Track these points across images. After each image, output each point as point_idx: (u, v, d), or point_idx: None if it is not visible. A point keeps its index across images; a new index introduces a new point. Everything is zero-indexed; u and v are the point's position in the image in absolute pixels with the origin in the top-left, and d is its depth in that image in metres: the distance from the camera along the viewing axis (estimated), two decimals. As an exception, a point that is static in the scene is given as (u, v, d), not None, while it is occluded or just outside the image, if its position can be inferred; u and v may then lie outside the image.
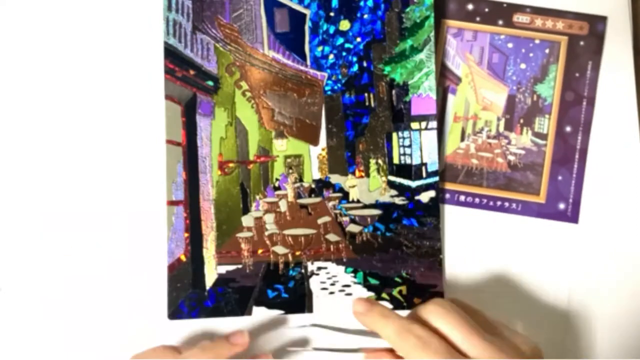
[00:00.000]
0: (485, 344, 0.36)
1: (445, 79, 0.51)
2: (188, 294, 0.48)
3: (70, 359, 0.49)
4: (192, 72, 0.49)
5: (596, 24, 0.51)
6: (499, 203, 0.51)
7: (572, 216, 0.51)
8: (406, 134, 0.50)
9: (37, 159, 0.50)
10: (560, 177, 0.51)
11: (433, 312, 0.38)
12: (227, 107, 0.50)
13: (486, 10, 0.51)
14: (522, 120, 0.51)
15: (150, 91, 0.50)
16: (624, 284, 0.50)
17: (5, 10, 0.50)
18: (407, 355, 0.37)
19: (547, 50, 0.51)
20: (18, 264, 0.49)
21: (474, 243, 0.50)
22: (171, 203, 0.49)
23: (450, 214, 0.51)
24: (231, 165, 0.50)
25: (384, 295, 0.49)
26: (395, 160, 0.50)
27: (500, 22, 0.51)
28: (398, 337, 0.38)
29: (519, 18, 0.51)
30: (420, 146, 0.50)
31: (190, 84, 0.49)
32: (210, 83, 0.50)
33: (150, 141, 0.50)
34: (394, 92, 0.50)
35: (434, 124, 0.49)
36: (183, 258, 0.49)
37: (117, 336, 0.49)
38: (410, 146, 0.50)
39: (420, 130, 0.50)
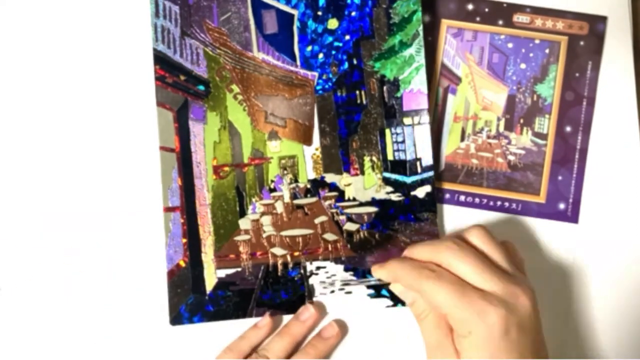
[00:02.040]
0: (498, 278, 0.40)
1: (445, 79, 0.51)
2: (189, 299, 0.48)
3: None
4: (182, 77, 0.49)
5: (596, 24, 0.50)
6: (499, 203, 0.50)
7: (572, 216, 0.50)
8: (399, 129, 0.50)
9: (32, 169, 0.50)
10: (560, 177, 0.50)
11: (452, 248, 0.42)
12: (219, 111, 0.50)
13: (486, 10, 0.51)
14: (522, 120, 0.51)
15: (141, 98, 0.50)
16: (623, 283, 0.50)
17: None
18: (423, 289, 0.41)
19: (547, 50, 0.51)
20: (18, 271, 0.49)
21: (474, 242, 0.50)
22: (168, 209, 0.49)
23: (451, 214, 0.51)
24: (226, 169, 0.50)
25: (383, 292, 0.49)
26: (390, 157, 0.50)
27: (500, 22, 0.51)
28: (412, 276, 0.42)
29: (519, 18, 0.50)
30: (413, 141, 0.49)
31: (181, 89, 0.49)
32: (201, 87, 0.50)
33: (143, 148, 0.50)
34: (385, 88, 0.50)
35: (426, 118, 0.49)
36: (182, 264, 0.49)
37: (119, 344, 0.49)
38: (403, 142, 0.50)
39: (413, 125, 0.49)
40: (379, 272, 0.45)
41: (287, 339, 0.47)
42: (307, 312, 0.48)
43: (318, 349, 0.47)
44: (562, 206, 0.50)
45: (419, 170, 0.49)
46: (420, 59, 0.49)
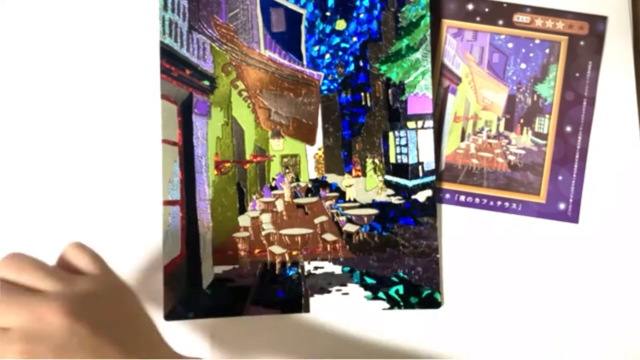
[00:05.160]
0: (19, 306, 0.33)
1: (445, 79, 0.51)
2: (185, 294, 0.48)
3: None
4: (188, 71, 0.49)
5: (596, 24, 0.51)
6: (499, 203, 0.51)
7: (572, 216, 0.51)
8: (402, 133, 0.50)
9: (33, 159, 0.49)
10: (560, 177, 0.51)
11: None
12: (224, 107, 0.50)
13: (486, 10, 0.51)
14: (522, 120, 0.51)
15: (146, 91, 0.50)
16: (623, 283, 0.50)
17: (3, 10, 0.50)
18: None
19: (547, 50, 0.51)
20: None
21: (474, 243, 0.50)
22: (167, 203, 0.48)
23: (450, 214, 0.51)
24: (227, 165, 0.50)
25: (380, 294, 0.49)
26: (392, 160, 0.50)
27: (500, 22, 0.51)
28: None
29: (519, 18, 0.51)
30: (416, 145, 0.50)
31: (186, 83, 0.49)
32: (207, 83, 0.50)
33: (146, 141, 0.50)
34: (390, 91, 0.50)
35: (430, 123, 0.49)
36: (179, 258, 0.48)
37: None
38: (406, 145, 0.50)
39: (416, 129, 0.50)
40: None
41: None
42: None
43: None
44: (562, 206, 0.51)
45: (421, 174, 0.49)
46: (427, 64, 0.49)
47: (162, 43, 0.49)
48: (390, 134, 0.50)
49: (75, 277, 0.37)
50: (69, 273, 0.37)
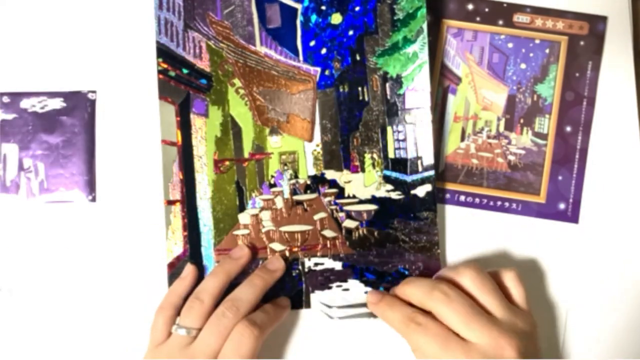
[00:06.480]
0: (485, 328, 0.40)
1: (445, 79, 0.50)
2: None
3: (71, 358, 0.50)
4: (185, 70, 0.49)
5: (596, 24, 0.50)
6: (499, 203, 0.50)
7: (572, 216, 0.50)
8: (401, 127, 0.49)
9: (36, 162, 0.50)
10: (560, 177, 0.50)
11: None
12: (221, 105, 0.50)
13: (486, 10, 0.50)
14: (522, 120, 0.50)
15: (144, 91, 0.50)
16: (624, 284, 0.50)
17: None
18: (409, 338, 0.43)
19: (547, 50, 0.50)
20: (17, 264, 0.50)
21: (474, 243, 0.50)
22: (169, 202, 0.49)
23: (451, 214, 0.50)
24: (227, 163, 0.50)
25: (381, 288, 0.49)
26: (391, 155, 0.49)
27: (500, 22, 0.50)
28: (401, 324, 0.43)
29: (519, 18, 0.50)
30: (415, 140, 0.49)
31: (183, 82, 0.49)
32: (204, 81, 0.50)
33: (145, 141, 0.50)
34: (387, 85, 0.49)
35: (428, 116, 0.49)
36: (182, 256, 0.49)
37: (118, 335, 0.50)
38: (405, 140, 0.49)
39: (415, 123, 0.49)
40: (371, 307, 0.47)
41: (222, 277, 0.46)
42: (239, 250, 0.48)
43: (265, 280, 0.46)
44: (562, 206, 0.50)
45: (420, 168, 0.49)
46: (424, 56, 0.48)
47: (158, 42, 0.49)
48: (389, 129, 0.49)
49: (517, 311, 0.42)
50: (510, 304, 0.43)
